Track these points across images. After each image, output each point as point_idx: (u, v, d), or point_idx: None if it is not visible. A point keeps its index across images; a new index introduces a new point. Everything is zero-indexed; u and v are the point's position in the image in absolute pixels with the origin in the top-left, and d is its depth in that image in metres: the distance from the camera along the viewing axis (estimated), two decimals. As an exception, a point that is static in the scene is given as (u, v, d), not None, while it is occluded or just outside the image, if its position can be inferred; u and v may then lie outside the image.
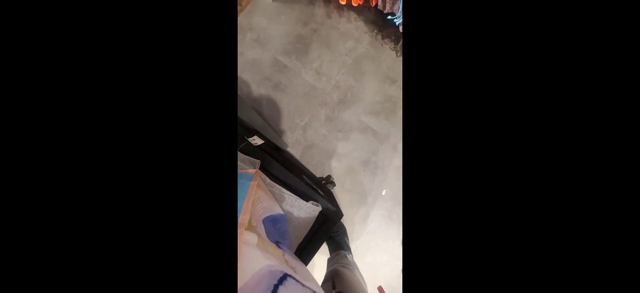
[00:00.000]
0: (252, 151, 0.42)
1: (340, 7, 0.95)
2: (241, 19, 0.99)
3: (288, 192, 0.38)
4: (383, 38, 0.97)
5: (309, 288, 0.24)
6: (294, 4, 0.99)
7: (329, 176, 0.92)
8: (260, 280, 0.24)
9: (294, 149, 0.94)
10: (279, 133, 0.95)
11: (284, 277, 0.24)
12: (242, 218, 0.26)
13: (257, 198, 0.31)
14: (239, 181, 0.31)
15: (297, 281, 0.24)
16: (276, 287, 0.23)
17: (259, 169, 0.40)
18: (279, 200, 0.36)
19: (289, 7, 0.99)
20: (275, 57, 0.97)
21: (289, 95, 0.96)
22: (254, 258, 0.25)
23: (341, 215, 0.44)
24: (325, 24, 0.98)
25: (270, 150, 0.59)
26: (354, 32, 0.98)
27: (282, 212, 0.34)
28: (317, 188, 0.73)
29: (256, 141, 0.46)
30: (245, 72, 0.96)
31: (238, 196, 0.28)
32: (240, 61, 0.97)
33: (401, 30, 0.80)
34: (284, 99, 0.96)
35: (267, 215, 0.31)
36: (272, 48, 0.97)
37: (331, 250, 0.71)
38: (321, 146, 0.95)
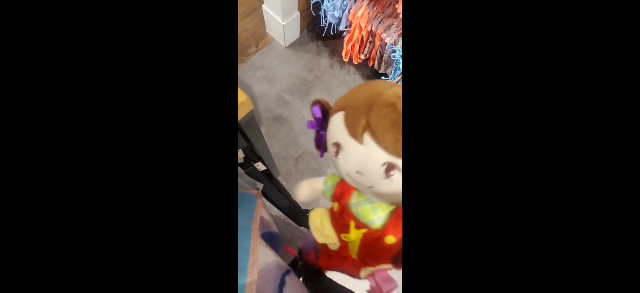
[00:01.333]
0: (256, 176, 0.50)
1: (342, 62, 1.10)
2: (255, 58, 1.12)
3: (283, 215, 0.45)
4: (376, 92, 1.11)
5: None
6: (303, 52, 1.14)
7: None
8: (272, 270, 0.30)
9: (284, 178, 1.01)
10: (273, 160, 1.02)
11: (288, 271, 0.31)
12: (255, 224, 0.34)
13: (262, 214, 0.38)
14: (246, 198, 0.39)
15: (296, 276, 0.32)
16: (283, 277, 0.30)
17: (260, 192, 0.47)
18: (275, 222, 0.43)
19: (298, 54, 1.13)
20: (280, 94, 1.08)
21: (287, 128, 1.05)
22: (266, 253, 0.31)
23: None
24: (327, 73, 1.12)
25: (268, 175, 0.66)
26: (351, 83, 1.12)
27: (277, 231, 0.41)
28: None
29: (260, 167, 0.54)
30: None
31: (249, 207, 0.36)
32: (248, 92, 1.08)
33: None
34: (283, 131, 1.05)
35: (265, 230, 0.38)
36: (278, 85, 1.09)
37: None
38: (308, 178, 1.02)
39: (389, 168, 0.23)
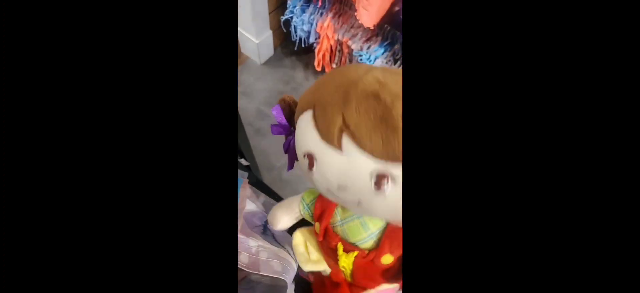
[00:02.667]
0: (241, 168, 0.52)
1: (316, 74, 1.18)
2: (232, 75, 1.16)
3: (273, 200, 0.47)
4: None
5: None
6: (278, 67, 1.21)
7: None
8: (257, 212, 0.34)
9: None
10: (258, 170, 1.03)
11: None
12: (244, 184, 0.36)
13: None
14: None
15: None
16: (266, 222, 0.33)
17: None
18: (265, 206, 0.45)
19: (273, 69, 1.20)
20: (258, 108, 1.12)
21: (269, 139, 1.08)
22: (251, 204, 0.34)
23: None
24: (303, 85, 1.19)
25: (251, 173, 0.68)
26: (327, 93, 1.19)
27: (263, 210, 0.43)
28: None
29: (242, 162, 0.56)
30: (231, 117, 1.09)
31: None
32: (227, 108, 1.11)
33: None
34: (264, 142, 1.08)
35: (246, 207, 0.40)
36: (256, 100, 1.13)
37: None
38: (294, 186, 1.04)
39: (380, 178, 0.17)
